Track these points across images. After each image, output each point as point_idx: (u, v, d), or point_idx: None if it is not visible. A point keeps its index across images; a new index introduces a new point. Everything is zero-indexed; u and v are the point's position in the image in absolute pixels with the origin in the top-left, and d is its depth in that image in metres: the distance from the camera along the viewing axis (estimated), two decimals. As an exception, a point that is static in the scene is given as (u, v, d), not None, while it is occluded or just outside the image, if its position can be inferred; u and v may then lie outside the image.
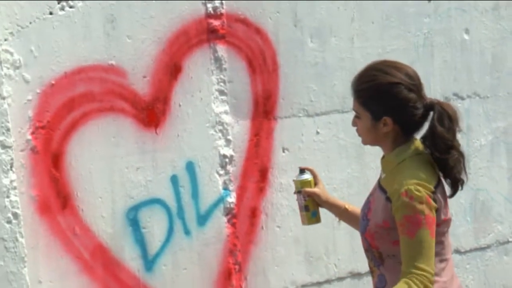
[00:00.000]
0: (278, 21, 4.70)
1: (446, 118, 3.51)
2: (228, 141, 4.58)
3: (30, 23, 4.06)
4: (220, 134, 4.56)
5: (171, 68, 4.41)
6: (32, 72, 4.06)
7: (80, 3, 4.17)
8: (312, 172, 3.89)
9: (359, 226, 3.72)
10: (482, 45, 5.40)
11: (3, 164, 3.89)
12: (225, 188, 4.57)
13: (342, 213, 3.95)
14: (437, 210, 3.49)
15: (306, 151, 4.76)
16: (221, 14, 4.52)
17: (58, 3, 4.11)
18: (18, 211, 3.93)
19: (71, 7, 4.15)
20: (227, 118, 4.57)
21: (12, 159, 3.92)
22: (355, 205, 3.83)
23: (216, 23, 4.51)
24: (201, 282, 4.50)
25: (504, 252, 5.53)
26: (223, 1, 4.51)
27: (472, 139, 5.38)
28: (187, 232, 4.47)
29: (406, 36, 5.13)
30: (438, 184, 3.52)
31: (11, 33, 4.01)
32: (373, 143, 3.68)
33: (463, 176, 3.56)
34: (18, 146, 4.00)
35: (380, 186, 3.63)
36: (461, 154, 3.56)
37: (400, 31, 5.11)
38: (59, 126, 4.14)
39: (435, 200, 3.47)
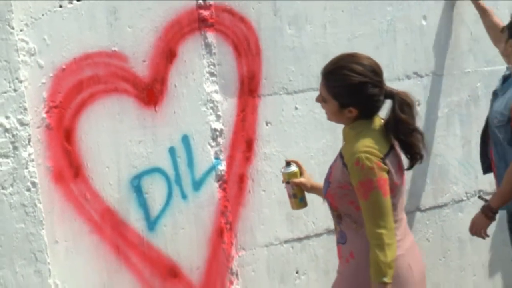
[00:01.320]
0: (260, 11, 4.65)
1: (405, 105, 3.57)
2: (218, 117, 4.53)
3: (43, 15, 3.99)
4: (211, 111, 4.51)
5: (167, 53, 4.36)
6: (45, 58, 4.00)
7: (85, -3, 4.12)
8: (297, 164, 3.96)
9: (323, 189, 3.78)
10: (437, 30, 5.35)
11: (22, 140, 3.83)
12: (216, 158, 4.53)
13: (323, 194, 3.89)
14: (389, 173, 3.52)
15: (286, 125, 4.74)
16: (210, 5, 4.47)
17: (66, -3, 4.07)
18: (36, 180, 3.88)
19: (78, 0, 4.09)
20: (217, 97, 4.52)
21: (29, 135, 3.86)
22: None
23: (205, 13, 4.46)
24: (197, 239, 4.47)
25: (459, 209, 5.52)
26: (212, -6, 4.47)
27: (431, 112, 5.35)
28: (184, 196, 4.43)
29: (372, 23, 5.08)
30: (389, 153, 3.55)
31: (26, 24, 3.94)
32: (336, 121, 3.72)
33: (423, 152, 3.64)
34: (35, 124, 3.95)
35: (340, 153, 3.66)
36: (421, 134, 3.64)
37: (367, 18, 5.05)
38: (70, 105, 4.09)
39: (385, 164, 3.50)
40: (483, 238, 4.72)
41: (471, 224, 4.70)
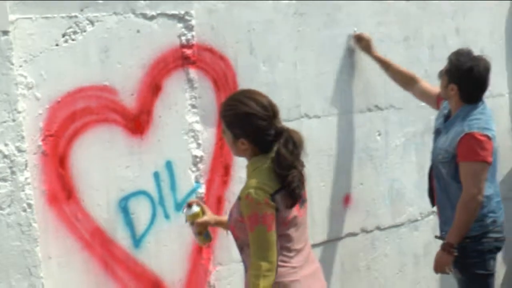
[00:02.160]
0: (237, 50, 4.65)
1: (291, 143, 3.53)
2: (198, 144, 4.51)
3: (40, 52, 3.97)
4: (192, 139, 4.49)
5: (153, 87, 4.34)
6: (42, 92, 3.98)
7: (80, 37, 4.09)
8: (198, 203, 3.91)
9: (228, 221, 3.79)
10: None
11: (19, 165, 3.80)
12: (197, 182, 4.52)
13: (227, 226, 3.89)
14: (278, 210, 3.49)
15: (259, 152, 4.69)
16: (193, 44, 4.46)
17: (63, 37, 4.04)
18: (32, 202, 3.84)
19: (73, 39, 4.07)
20: (197, 126, 4.51)
21: (26, 160, 3.83)
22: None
23: (188, 51, 4.45)
24: (179, 256, 4.45)
25: (414, 228, 5.53)
26: (194, 34, 4.46)
27: (389, 141, 5.36)
28: (167, 216, 4.42)
29: (337, 61, 5.09)
30: (281, 189, 3.51)
31: (25, 61, 3.92)
32: (236, 155, 3.73)
33: (299, 191, 3.56)
34: (31, 150, 3.91)
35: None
36: (301, 174, 3.58)
37: (332, 57, 5.08)
38: (64, 134, 4.06)
39: (274, 201, 3.47)
40: (448, 273, 4.70)
41: (435, 263, 4.67)
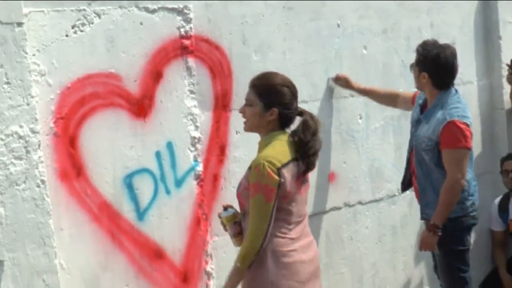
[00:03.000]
0: (231, 40, 4.63)
1: (313, 119, 3.68)
2: (196, 127, 4.47)
3: (52, 42, 3.95)
4: (190, 122, 4.46)
5: (154, 75, 4.32)
6: (54, 78, 3.95)
7: (88, 28, 4.07)
8: (232, 207, 3.88)
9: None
10: (375, 57, 5.35)
11: (33, 145, 3.77)
12: (195, 160, 4.47)
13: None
14: (282, 184, 3.53)
15: (251, 134, 4.61)
16: (191, 35, 4.43)
17: (72, 28, 4.01)
18: (45, 179, 3.82)
19: (81, 31, 4.05)
20: (195, 110, 4.47)
21: (39, 141, 3.80)
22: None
23: (187, 42, 4.41)
24: (179, 227, 4.42)
25: (392, 203, 5.49)
26: (192, 26, 4.43)
27: (370, 124, 5.32)
28: (168, 192, 4.38)
29: (323, 51, 5.07)
30: (288, 163, 3.57)
31: (38, 50, 3.90)
32: (254, 128, 3.72)
33: (315, 161, 3.67)
34: (44, 132, 3.89)
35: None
36: (320, 143, 3.69)
37: (318, 47, 5.04)
38: (74, 117, 4.04)
39: (279, 175, 3.52)
40: (434, 251, 4.75)
41: (420, 243, 4.68)
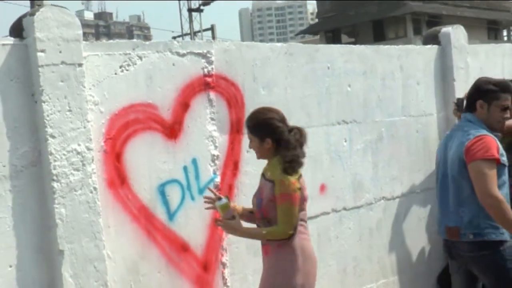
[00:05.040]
0: (244, 78, 4.66)
1: (298, 133, 3.82)
2: (216, 147, 4.49)
3: (104, 79, 3.99)
4: (211, 143, 4.47)
5: (183, 105, 4.34)
6: (105, 107, 3.99)
7: (132, 68, 4.11)
8: (226, 196, 3.92)
9: (255, 206, 3.85)
10: (357, 93, 5.38)
11: (88, 159, 3.80)
12: (214, 173, 4.49)
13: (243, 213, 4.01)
14: (301, 189, 3.74)
15: (260, 152, 4.69)
16: (212, 74, 4.47)
17: (120, 68, 4.06)
18: (96, 186, 3.84)
19: (127, 70, 4.09)
20: (215, 133, 4.50)
21: (93, 156, 3.82)
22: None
23: (209, 79, 4.45)
24: (201, 227, 4.42)
25: (370, 209, 5.49)
26: (213, 67, 4.47)
27: (353, 146, 5.33)
28: (192, 198, 4.38)
29: (316, 88, 5.09)
30: (300, 177, 3.78)
31: (93, 85, 3.94)
32: (261, 156, 3.84)
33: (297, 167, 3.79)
34: (96, 149, 3.91)
35: (266, 179, 3.78)
36: (303, 153, 3.84)
37: (313, 85, 5.07)
38: (120, 137, 4.06)
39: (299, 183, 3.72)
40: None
41: None
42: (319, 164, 5.08)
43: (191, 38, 29.89)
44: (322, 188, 5.11)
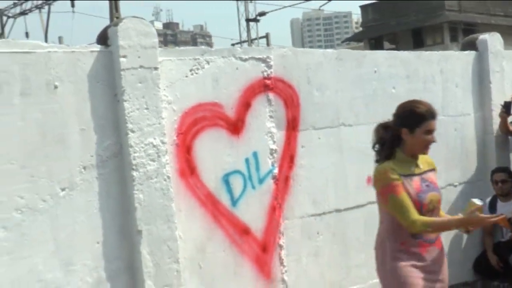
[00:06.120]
0: (299, 81, 4.65)
1: None
2: (274, 142, 4.49)
3: (176, 81, 4.05)
4: (270, 138, 4.48)
5: (245, 104, 4.36)
6: (176, 106, 4.05)
7: (200, 71, 4.17)
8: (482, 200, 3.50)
9: (440, 198, 3.34)
10: (401, 95, 5.23)
11: (162, 152, 3.86)
12: (272, 165, 4.48)
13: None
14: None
15: (313, 147, 4.71)
16: (271, 77, 4.48)
17: (190, 71, 4.11)
18: (169, 175, 3.90)
19: (196, 73, 4.15)
20: (273, 130, 4.50)
21: (166, 149, 3.89)
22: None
23: (268, 82, 4.47)
24: (260, 212, 4.43)
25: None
26: (272, 71, 4.48)
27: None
28: (253, 187, 4.40)
29: (363, 90, 5.05)
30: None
31: (167, 86, 4.00)
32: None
33: None
34: (169, 143, 3.97)
35: (427, 170, 3.34)
36: None
37: (360, 88, 5.03)
38: (189, 132, 4.11)
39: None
40: None
41: None
42: (366, 157, 5.01)
43: (248, 45, 29.96)
44: (369, 179, 5.02)
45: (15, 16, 22.74)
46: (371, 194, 5.05)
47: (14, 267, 3.44)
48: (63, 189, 3.61)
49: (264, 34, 32.55)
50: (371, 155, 5.03)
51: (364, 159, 4.98)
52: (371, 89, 5.07)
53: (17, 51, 3.51)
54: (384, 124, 3.40)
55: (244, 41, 33.12)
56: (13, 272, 3.43)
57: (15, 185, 3.46)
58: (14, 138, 3.48)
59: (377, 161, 3.38)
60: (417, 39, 37.04)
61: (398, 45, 36.41)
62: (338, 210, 4.81)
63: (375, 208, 5.07)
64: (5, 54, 3.47)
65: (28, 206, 3.50)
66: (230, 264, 4.26)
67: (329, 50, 4.91)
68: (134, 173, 3.74)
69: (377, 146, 3.41)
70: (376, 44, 38.74)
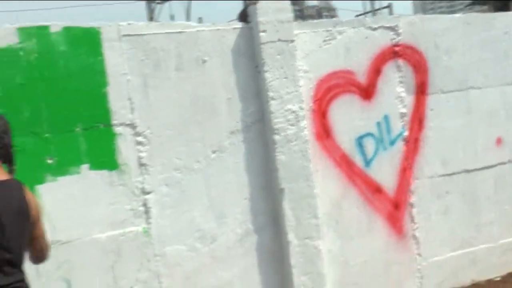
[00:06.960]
0: (427, 47, 4.53)
1: None
2: (404, 106, 4.43)
3: (311, 51, 4.10)
4: (400, 102, 4.42)
5: (376, 71, 4.32)
6: (312, 74, 4.09)
7: (333, 42, 4.18)
8: None
9: None
10: None
11: (300, 117, 3.95)
12: (402, 128, 4.43)
13: None
14: None
15: (441, 110, 4.56)
16: (400, 44, 4.40)
17: (323, 42, 4.15)
18: (307, 138, 3.96)
19: (329, 43, 4.17)
20: (403, 94, 4.43)
21: (304, 114, 3.97)
22: None
23: (397, 49, 4.40)
24: (392, 172, 4.38)
25: None
26: (400, 38, 4.40)
27: None
28: (384, 148, 4.37)
29: (493, 51, 4.77)
30: None
31: (302, 57, 4.05)
32: None
33: None
34: (307, 108, 4.04)
35: None
36: None
37: (490, 49, 4.75)
38: (325, 99, 4.14)
39: None
40: None
41: None
42: (495, 119, 4.82)
43: (372, 16, 29.25)
44: (499, 140, 4.84)
45: (160, 2, 23.94)
46: (501, 155, 4.90)
47: (177, 219, 3.73)
48: (214, 152, 3.83)
49: (386, 5, 31.62)
50: (501, 116, 4.87)
51: (493, 121, 4.80)
52: (502, 49, 4.82)
53: (171, 32, 3.74)
54: None
55: (367, 12, 32.32)
56: (176, 224, 3.72)
57: (173, 148, 3.73)
58: (171, 108, 3.73)
59: None
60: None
61: (526, 7, 33.74)
62: (467, 171, 4.67)
63: (505, 169, 4.92)
64: (162, 34, 3.71)
65: (185, 167, 3.76)
66: (364, 220, 4.30)
67: (456, 15, 4.72)
68: (276, 137, 3.87)
69: None
70: (502, 6, 36.15)
